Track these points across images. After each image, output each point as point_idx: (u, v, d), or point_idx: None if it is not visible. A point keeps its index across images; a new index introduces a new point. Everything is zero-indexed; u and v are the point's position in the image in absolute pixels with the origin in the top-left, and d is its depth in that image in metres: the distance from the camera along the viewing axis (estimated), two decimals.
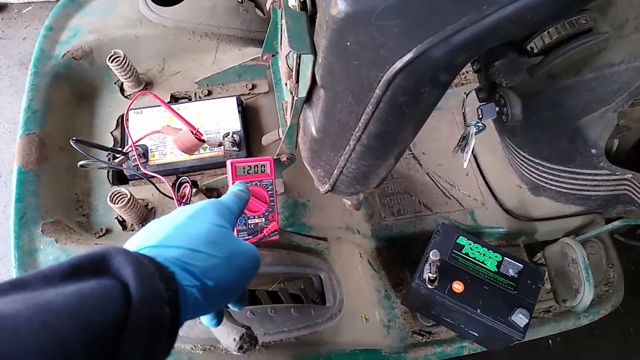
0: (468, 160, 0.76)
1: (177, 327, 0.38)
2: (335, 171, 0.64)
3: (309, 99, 0.61)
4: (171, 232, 0.44)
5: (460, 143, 0.77)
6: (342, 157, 0.60)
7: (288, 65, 0.64)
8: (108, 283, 0.33)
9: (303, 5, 0.50)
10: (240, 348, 0.62)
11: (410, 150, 1.15)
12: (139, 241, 0.43)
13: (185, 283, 0.40)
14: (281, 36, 0.74)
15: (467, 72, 1.23)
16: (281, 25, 0.73)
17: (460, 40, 0.40)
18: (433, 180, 1.12)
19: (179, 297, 0.38)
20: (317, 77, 0.52)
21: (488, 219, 1.07)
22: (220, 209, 0.51)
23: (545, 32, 0.66)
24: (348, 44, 0.43)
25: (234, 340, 0.62)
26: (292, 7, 0.51)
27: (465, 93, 1.19)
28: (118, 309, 0.32)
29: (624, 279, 1.09)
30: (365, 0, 0.40)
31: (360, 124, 0.52)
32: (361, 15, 0.40)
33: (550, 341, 1.34)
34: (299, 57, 0.58)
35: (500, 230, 1.06)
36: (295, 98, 0.62)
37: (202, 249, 0.44)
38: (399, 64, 0.42)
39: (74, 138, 0.74)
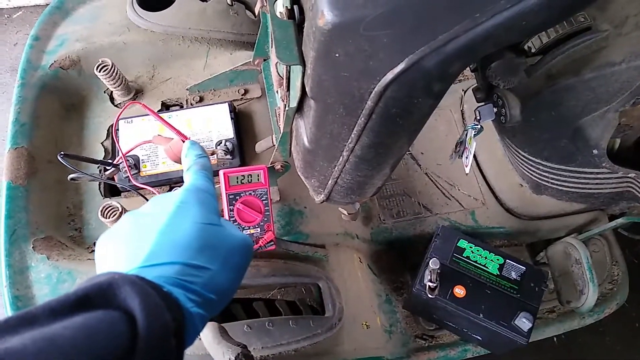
0: (470, 166, 0.73)
1: (182, 356, 0.36)
2: (330, 182, 0.62)
3: (300, 108, 0.59)
4: (158, 242, 0.40)
5: (457, 149, 0.74)
6: (335, 168, 0.58)
7: (279, 73, 0.62)
8: (115, 315, 0.33)
9: (290, 14, 0.48)
10: None
11: (409, 150, 1.13)
12: (124, 257, 0.40)
13: (190, 306, 0.38)
14: (272, 41, 0.72)
15: None
16: (271, 31, 0.71)
17: (453, 49, 0.38)
18: (432, 181, 1.10)
19: (184, 325, 0.37)
20: (306, 89, 0.50)
21: (489, 218, 1.05)
22: (202, 198, 0.46)
23: (543, 32, 0.64)
24: (336, 55, 0.41)
25: None
26: (279, 15, 0.49)
27: (463, 90, 1.17)
28: (124, 342, 0.32)
29: (628, 274, 1.07)
30: (353, 10, 0.38)
31: (352, 136, 0.50)
32: (349, 26, 0.38)
33: (555, 339, 1.33)
34: (289, 67, 0.56)
35: (501, 230, 1.05)
36: (287, 107, 0.59)
37: (197, 260, 0.40)
38: (390, 75, 0.41)
39: (62, 153, 0.72)
